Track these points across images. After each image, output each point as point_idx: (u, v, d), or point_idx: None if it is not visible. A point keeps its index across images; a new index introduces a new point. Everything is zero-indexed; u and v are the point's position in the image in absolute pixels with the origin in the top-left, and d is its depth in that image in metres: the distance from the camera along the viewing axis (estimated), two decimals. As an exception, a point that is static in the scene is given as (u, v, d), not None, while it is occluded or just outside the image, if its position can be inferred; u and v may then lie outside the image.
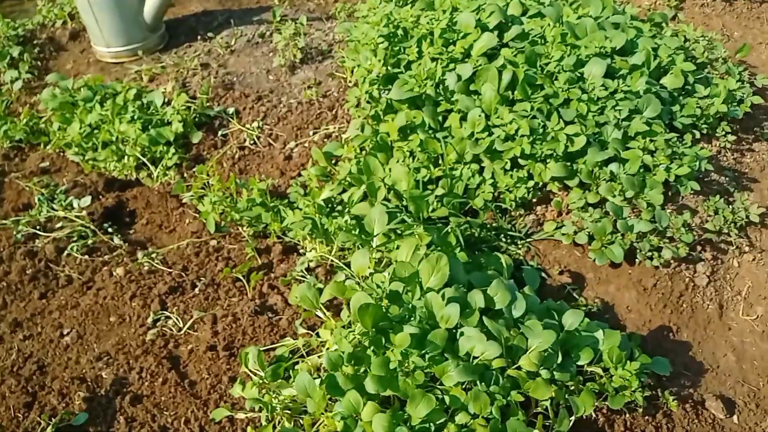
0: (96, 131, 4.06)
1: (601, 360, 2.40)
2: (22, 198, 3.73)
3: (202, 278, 3.03)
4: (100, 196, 3.71)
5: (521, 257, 3.04)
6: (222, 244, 3.27)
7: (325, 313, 2.58)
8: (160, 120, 4.09)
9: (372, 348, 2.22)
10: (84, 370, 2.66)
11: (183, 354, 2.68)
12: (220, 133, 4.09)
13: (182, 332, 2.78)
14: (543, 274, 2.97)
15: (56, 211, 3.55)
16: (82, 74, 4.83)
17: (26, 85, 4.76)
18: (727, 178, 3.28)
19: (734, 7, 4.88)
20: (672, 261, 2.92)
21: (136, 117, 4.02)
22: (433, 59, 3.39)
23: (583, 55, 3.36)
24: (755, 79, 3.88)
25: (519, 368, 2.25)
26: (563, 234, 3.00)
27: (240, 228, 3.31)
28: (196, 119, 4.14)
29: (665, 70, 3.56)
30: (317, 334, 2.57)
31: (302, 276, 2.94)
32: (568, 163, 3.08)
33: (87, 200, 3.62)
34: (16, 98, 4.69)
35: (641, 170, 3.03)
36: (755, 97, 3.59)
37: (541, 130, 3.08)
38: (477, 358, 2.20)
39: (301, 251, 3.17)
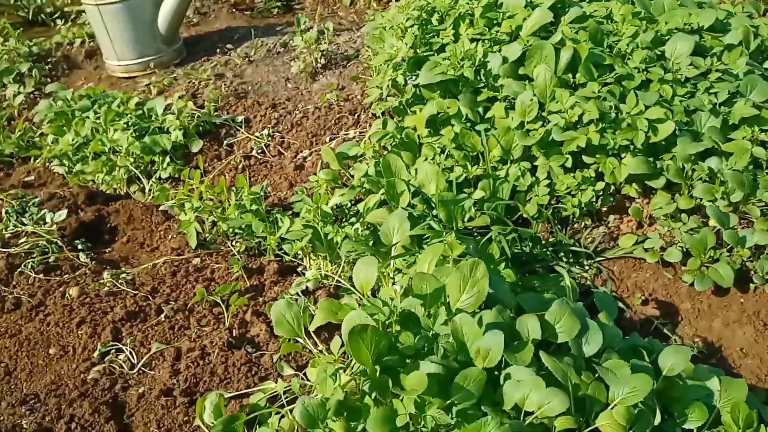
0: (90, 142, 3.56)
1: (719, 423, 1.61)
2: (-7, 213, 3.21)
3: (171, 302, 2.37)
4: (79, 210, 3.14)
5: (589, 282, 2.28)
6: (207, 262, 2.62)
7: (308, 344, 1.88)
8: (159, 128, 3.56)
9: (374, 394, 1.50)
10: (1, 418, 2.01)
11: (130, 399, 2.00)
12: (225, 142, 3.53)
13: (135, 370, 2.11)
14: (620, 305, 2.20)
15: (25, 225, 3.00)
16: (89, 90, 4.41)
17: (31, 101, 4.36)
18: None
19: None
20: (804, 287, 2.12)
21: (131, 124, 3.50)
22: (472, 40, 2.75)
23: (664, 30, 2.66)
24: None
25: (597, 431, 1.49)
26: (647, 249, 2.24)
27: (231, 244, 2.67)
28: (200, 128, 3.60)
29: (769, 53, 2.82)
30: (305, 375, 1.86)
31: (296, 300, 2.25)
32: (650, 159, 2.35)
33: (62, 214, 3.04)
34: (18, 113, 4.30)
35: (750, 166, 2.27)
36: None
37: (613, 115, 2.37)
38: (532, 413, 1.45)
39: (301, 272, 2.50)
